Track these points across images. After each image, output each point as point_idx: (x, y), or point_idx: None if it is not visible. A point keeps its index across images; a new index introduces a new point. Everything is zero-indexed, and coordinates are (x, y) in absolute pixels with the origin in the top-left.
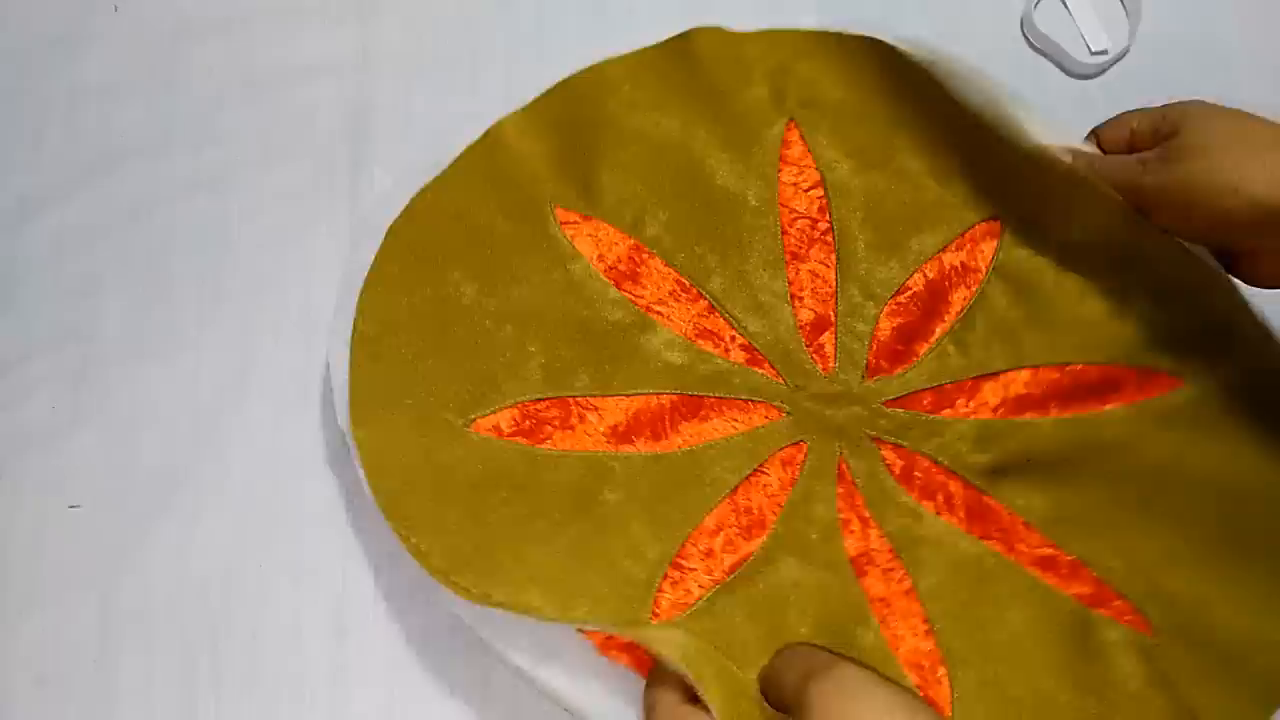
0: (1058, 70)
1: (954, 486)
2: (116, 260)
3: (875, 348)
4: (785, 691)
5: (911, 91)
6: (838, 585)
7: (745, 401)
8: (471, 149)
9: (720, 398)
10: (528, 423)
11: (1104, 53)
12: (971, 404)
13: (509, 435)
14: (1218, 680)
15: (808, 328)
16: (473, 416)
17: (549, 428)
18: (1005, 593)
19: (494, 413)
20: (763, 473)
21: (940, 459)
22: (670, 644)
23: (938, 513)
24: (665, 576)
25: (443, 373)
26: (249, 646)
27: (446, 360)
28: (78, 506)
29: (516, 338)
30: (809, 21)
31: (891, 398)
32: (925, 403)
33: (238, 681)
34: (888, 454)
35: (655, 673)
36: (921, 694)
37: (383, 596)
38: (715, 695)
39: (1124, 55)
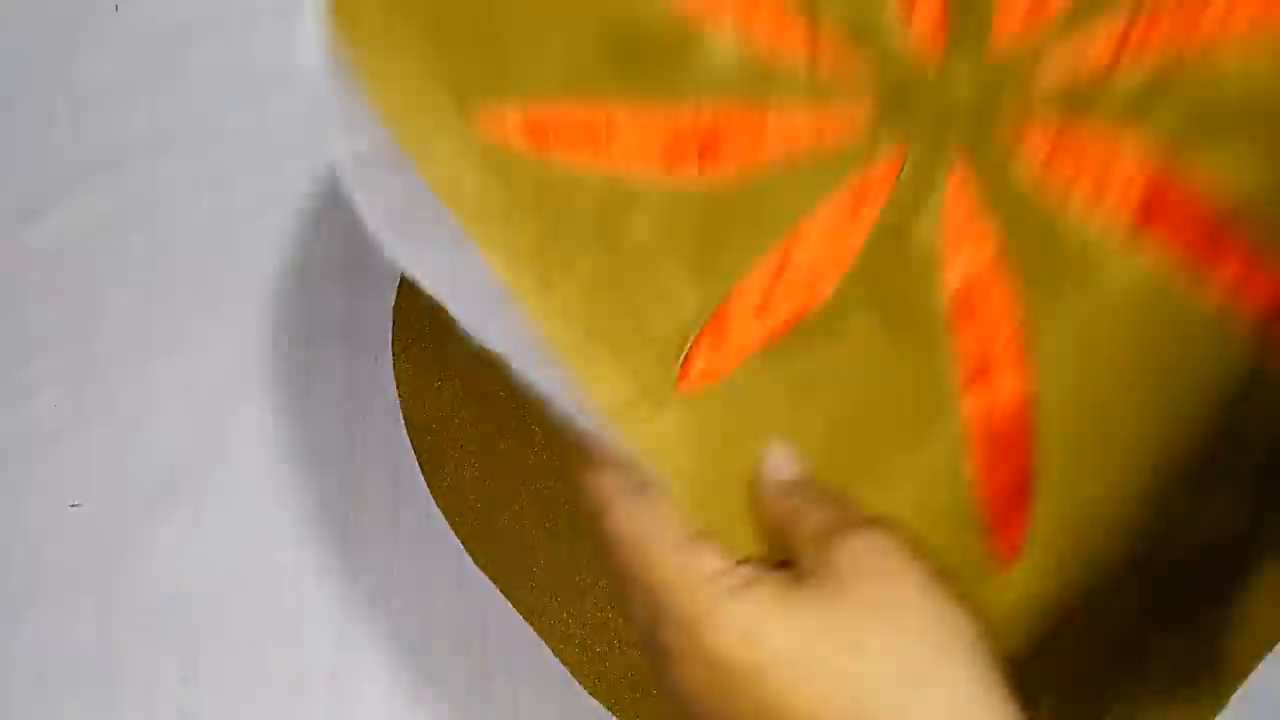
0: None
1: (1126, 154)
2: (116, 260)
3: (1000, 15)
4: (794, 540)
5: None
6: (920, 354)
7: (822, 106)
8: None
9: (789, 102)
10: (538, 134)
11: None
12: (1144, 50)
13: (519, 142)
14: None
15: (912, 20)
16: (480, 100)
17: (568, 140)
18: (1154, 358)
19: (498, 106)
20: (845, 193)
21: (1105, 117)
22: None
23: (1093, 206)
24: (702, 333)
25: (452, 46)
26: (249, 646)
27: (455, 33)
28: (78, 506)
29: (533, 14)
30: None
31: (1028, 70)
32: (1079, 61)
33: (238, 681)
34: (1027, 136)
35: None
36: (986, 525)
37: (383, 596)
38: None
39: None
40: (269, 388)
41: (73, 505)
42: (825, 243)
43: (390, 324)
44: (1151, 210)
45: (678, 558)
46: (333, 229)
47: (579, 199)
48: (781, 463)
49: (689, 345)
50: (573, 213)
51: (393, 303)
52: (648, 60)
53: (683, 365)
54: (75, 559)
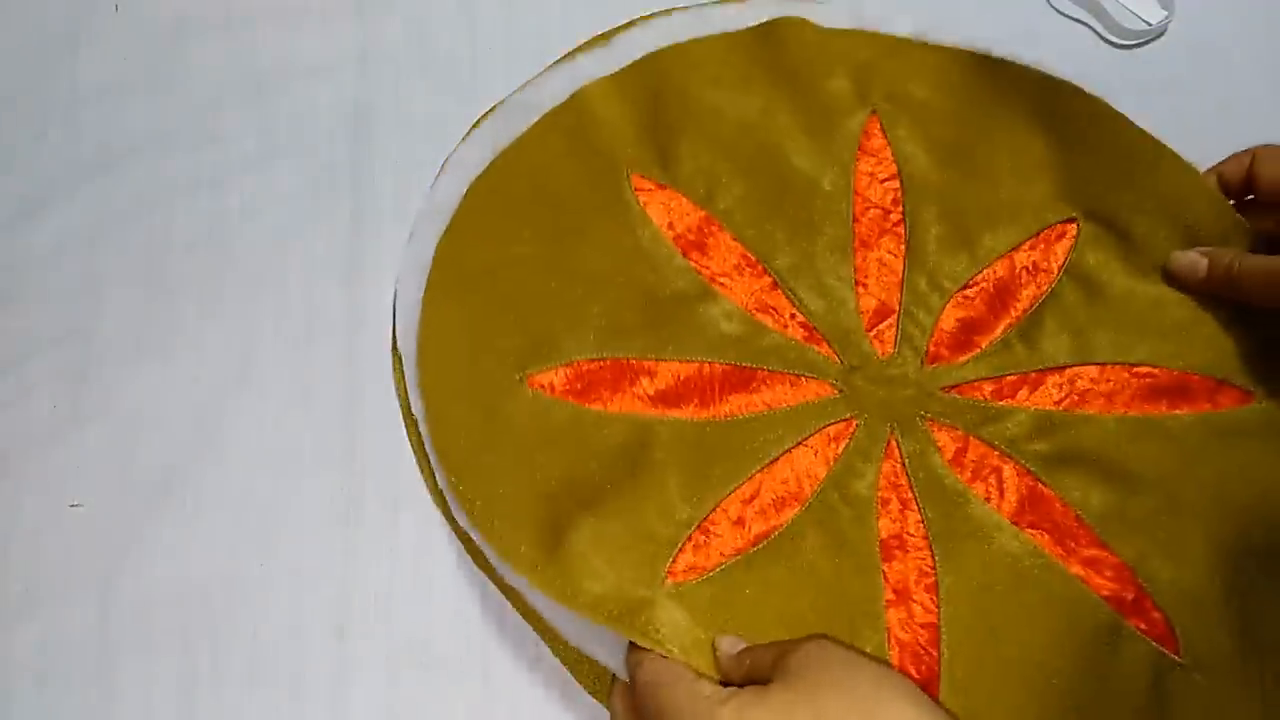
0: (1083, 44)
1: (1008, 471)
2: (116, 260)
3: (936, 336)
4: (760, 665)
5: (997, 95)
6: (858, 576)
7: (797, 376)
8: (555, 111)
9: (772, 371)
10: (580, 383)
11: (1149, 25)
12: (1033, 395)
13: (561, 394)
14: (1225, 717)
15: (869, 314)
16: (529, 371)
17: (600, 389)
18: (1034, 602)
19: (550, 369)
20: (807, 446)
21: (996, 443)
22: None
23: (986, 498)
24: (689, 539)
25: (506, 327)
26: (249, 646)
27: (511, 315)
28: (78, 506)
29: (580, 298)
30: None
31: (949, 385)
32: (985, 391)
33: (238, 681)
34: (941, 436)
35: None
36: None
37: (383, 596)
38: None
39: (1166, 23)
40: (269, 388)
41: (73, 505)
42: (787, 482)
43: (390, 324)
44: (1026, 509)
45: (687, 688)
46: (333, 229)
47: (604, 428)
48: (729, 643)
49: (678, 548)
50: (599, 437)
51: (393, 303)
52: (668, 321)
53: (671, 562)
54: (75, 559)
